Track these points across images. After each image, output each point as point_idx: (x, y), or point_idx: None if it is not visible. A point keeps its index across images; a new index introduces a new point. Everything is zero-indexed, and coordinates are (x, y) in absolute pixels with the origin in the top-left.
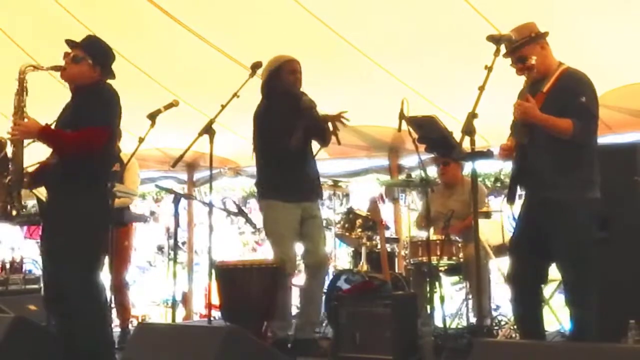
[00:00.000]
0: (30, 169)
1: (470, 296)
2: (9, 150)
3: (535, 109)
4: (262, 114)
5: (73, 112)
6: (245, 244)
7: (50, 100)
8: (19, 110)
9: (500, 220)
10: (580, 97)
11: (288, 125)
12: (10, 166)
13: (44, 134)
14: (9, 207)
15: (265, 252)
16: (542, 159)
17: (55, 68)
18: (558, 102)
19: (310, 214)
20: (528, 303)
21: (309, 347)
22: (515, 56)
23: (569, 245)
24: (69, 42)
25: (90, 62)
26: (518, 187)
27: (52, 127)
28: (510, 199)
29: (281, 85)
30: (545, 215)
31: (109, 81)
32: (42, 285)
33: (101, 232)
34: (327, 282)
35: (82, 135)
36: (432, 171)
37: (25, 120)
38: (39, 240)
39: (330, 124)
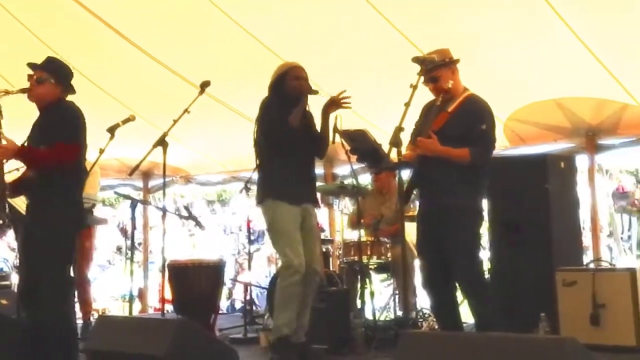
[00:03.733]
0: (9, 177)
1: (397, 292)
2: None
3: (435, 144)
4: (268, 103)
5: (43, 130)
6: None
7: (19, 119)
8: None
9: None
10: (481, 124)
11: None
12: None
13: (21, 153)
14: None
15: (207, 251)
16: (439, 170)
17: (23, 90)
18: (460, 122)
19: (308, 218)
20: (442, 298)
21: (303, 350)
22: (428, 76)
23: (461, 246)
24: (31, 65)
25: (52, 81)
26: (414, 191)
27: (25, 144)
28: (405, 200)
29: (286, 89)
30: (440, 219)
31: (71, 96)
32: (12, 281)
33: (73, 236)
34: (269, 280)
35: (54, 152)
36: (365, 179)
37: (4, 142)
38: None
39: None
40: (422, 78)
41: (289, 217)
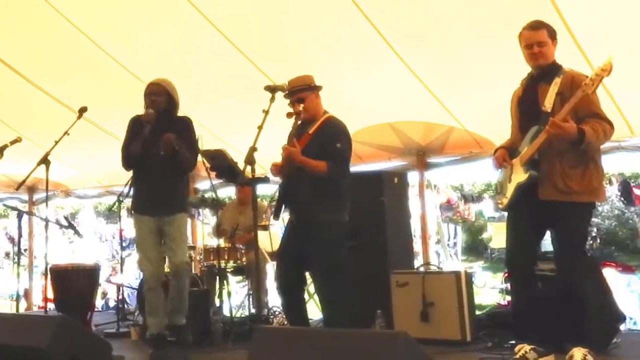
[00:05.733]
0: None
1: (251, 292)
2: None
3: (298, 153)
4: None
5: None
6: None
7: None
8: None
9: (275, 232)
10: (337, 143)
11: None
12: None
13: None
14: None
15: (84, 256)
16: (305, 187)
17: None
18: (319, 142)
19: (167, 226)
20: (292, 299)
21: (180, 332)
22: (294, 98)
23: (322, 257)
24: None
25: None
26: (283, 206)
27: None
28: (276, 215)
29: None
30: (305, 232)
31: None
32: None
33: None
34: (138, 281)
35: None
36: (223, 192)
37: None
38: None
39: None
40: (272, 104)
41: (140, 228)
